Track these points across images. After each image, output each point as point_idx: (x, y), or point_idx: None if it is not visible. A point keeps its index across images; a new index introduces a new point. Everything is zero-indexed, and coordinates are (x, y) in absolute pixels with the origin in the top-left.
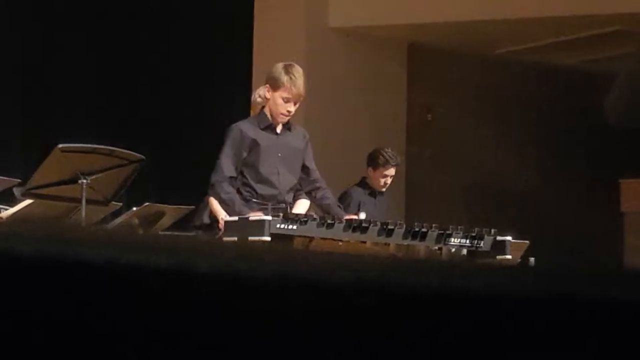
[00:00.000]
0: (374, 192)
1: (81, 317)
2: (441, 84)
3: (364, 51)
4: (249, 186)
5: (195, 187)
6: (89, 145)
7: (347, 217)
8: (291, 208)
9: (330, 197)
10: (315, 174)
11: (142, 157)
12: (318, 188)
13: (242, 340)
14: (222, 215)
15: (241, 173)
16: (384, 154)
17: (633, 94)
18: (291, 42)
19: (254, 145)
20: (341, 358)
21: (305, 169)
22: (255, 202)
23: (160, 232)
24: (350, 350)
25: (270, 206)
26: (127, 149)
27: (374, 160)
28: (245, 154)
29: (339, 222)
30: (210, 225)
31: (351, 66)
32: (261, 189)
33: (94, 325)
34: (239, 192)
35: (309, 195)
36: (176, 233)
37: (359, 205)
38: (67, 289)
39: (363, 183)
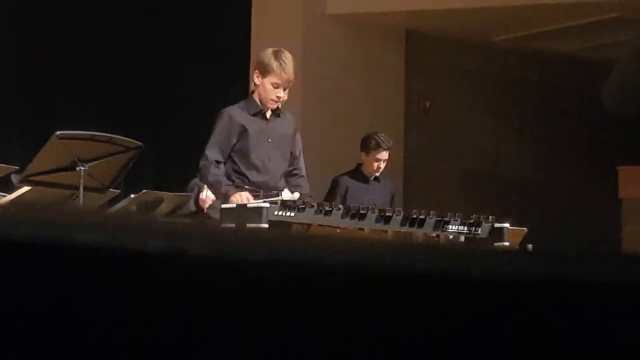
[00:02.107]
0: (365, 178)
1: (75, 300)
2: (439, 71)
3: (361, 38)
4: (241, 173)
5: (193, 175)
6: (87, 133)
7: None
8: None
9: (303, 186)
10: (297, 162)
11: (140, 144)
12: (295, 175)
13: (236, 323)
14: (202, 195)
15: (232, 160)
16: (376, 137)
17: (631, 82)
18: (289, 29)
19: (243, 131)
20: (335, 340)
21: (290, 155)
22: (247, 188)
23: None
24: (343, 333)
25: (262, 193)
26: (125, 136)
27: (366, 145)
28: (234, 140)
29: (337, 209)
30: (197, 212)
31: (349, 53)
32: (253, 175)
33: (89, 309)
34: (230, 179)
35: (284, 179)
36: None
37: (346, 191)
38: (61, 273)
39: (355, 170)
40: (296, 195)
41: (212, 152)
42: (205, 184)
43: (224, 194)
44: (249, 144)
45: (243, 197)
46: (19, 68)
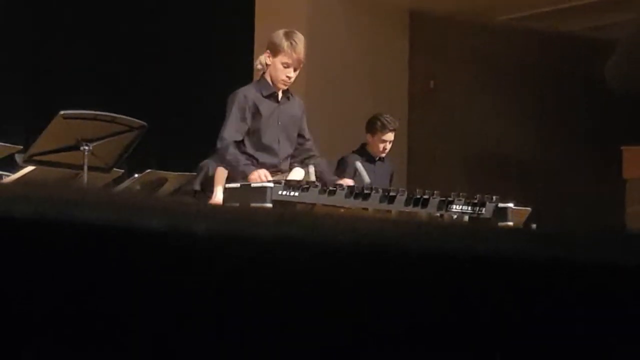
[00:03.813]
0: (372, 159)
1: (78, 278)
2: (443, 51)
3: (366, 19)
4: (250, 155)
5: (197, 154)
6: (91, 112)
7: (340, 181)
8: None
9: (322, 165)
10: (310, 143)
11: (144, 123)
12: (311, 157)
13: (240, 301)
14: (216, 197)
15: (242, 141)
16: (382, 119)
17: (634, 60)
18: (293, 9)
19: (256, 112)
20: (340, 318)
21: (300, 137)
22: (264, 167)
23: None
24: (349, 311)
25: (282, 168)
26: (129, 116)
27: (372, 126)
28: (249, 120)
29: (340, 189)
30: (200, 192)
31: (353, 34)
32: (262, 157)
33: (92, 287)
34: None
35: (302, 164)
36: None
37: (355, 171)
38: (63, 251)
39: (361, 149)
40: (311, 169)
41: (229, 133)
42: (224, 163)
43: (242, 172)
44: (261, 126)
45: (262, 175)
46: (23, 48)
